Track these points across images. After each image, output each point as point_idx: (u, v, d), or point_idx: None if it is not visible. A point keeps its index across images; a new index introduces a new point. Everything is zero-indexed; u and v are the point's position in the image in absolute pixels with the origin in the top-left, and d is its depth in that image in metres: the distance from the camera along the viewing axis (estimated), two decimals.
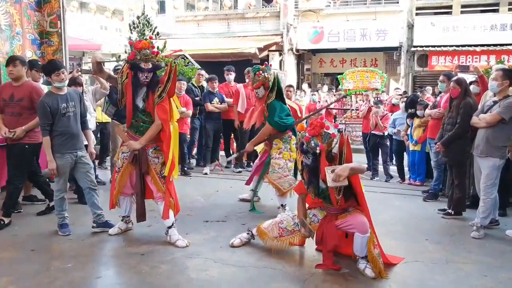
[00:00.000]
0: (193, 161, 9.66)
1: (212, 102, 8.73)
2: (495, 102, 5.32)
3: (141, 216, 5.03)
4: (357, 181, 4.15)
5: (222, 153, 9.76)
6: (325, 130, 4.11)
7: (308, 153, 4.17)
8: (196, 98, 8.81)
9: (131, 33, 10.46)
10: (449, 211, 6.07)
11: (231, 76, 9.23)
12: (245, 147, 6.52)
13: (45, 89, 7.59)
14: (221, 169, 6.51)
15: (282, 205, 5.89)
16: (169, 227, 4.92)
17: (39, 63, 6.29)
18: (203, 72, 9.47)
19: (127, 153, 4.90)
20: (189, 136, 9.03)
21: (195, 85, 9.17)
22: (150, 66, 4.73)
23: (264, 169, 6.09)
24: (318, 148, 4.06)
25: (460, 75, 7.07)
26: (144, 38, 10.26)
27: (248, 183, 6.57)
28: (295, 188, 4.88)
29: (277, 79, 5.92)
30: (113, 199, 5.12)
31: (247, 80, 8.68)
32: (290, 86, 9.50)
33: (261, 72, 5.83)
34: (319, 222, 4.44)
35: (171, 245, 4.80)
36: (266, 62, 6.28)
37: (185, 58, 11.88)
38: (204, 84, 9.46)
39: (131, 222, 5.33)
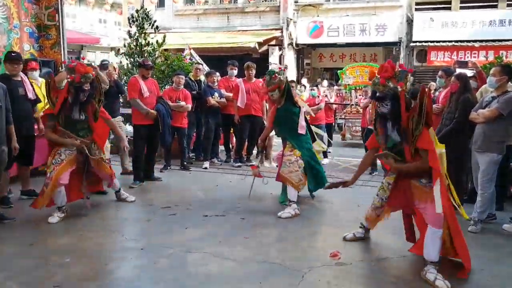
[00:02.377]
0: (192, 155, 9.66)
1: (213, 96, 8.73)
2: (493, 98, 5.32)
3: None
4: (425, 142, 3.98)
5: (221, 147, 9.76)
6: (399, 69, 4.05)
7: (385, 99, 4.06)
8: (193, 92, 8.79)
9: (130, 26, 10.43)
10: None
11: (235, 71, 9.21)
12: (258, 144, 6.73)
13: (42, 82, 7.59)
14: (261, 175, 6.54)
15: (290, 200, 5.92)
16: (118, 191, 6.24)
17: (13, 54, 6.19)
18: (200, 66, 9.45)
19: (73, 150, 5.57)
20: None
21: (193, 79, 9.16)
22: (89, 86, 5.53)
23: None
24: (398, 87, 3.98)
25: (458, 70, 7.07)
26: (143, 32, 10.25)
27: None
28: (367, 142, 4.92)
29: (287, 83, 6.12)
30: (47, 198, 5.44)
31: (246, 75, 8.69)
32: (292, 81, 9.45)
33: (276, 75, 6.01)
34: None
35: (170, 239, 4.83)
36: (281, 66, 6.46)
37: (192, 56, 11.89)
38: (202, 78, 9.44)
39: (66, 210, 5.52)
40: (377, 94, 4.12)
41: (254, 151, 9.41)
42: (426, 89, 3.98)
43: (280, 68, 6.38)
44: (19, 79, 6.15)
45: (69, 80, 5.54)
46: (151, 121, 7.24)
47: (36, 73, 7.41)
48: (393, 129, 4.16)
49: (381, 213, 4.60)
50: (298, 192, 6.03)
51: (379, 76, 4.10)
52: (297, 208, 5.81)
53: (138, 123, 7.36)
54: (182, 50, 12.59)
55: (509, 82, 5.42)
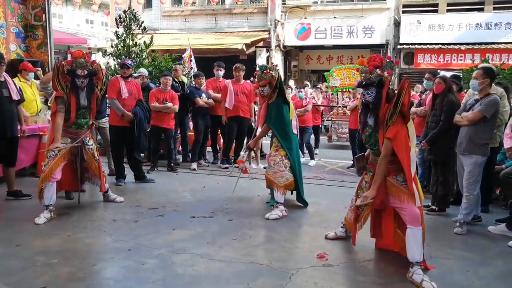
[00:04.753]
0: (179, 157, 9.65)
1: (201, 97, 8.73)
2: (476, 101, 5.39)
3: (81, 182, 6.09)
4: (399, 146, 4.00)
5: (209, 149, 9.75)
6: (387, 60, 4.14)
7: (371, 86, 4.11)
8: (177, 94, 8.74)
9: (118, 27, 10.38)
10: (433, 207, 6.16)
11: (221, 72, 9.19)
12: (248, 144, 6.63)
13: (33, 82, 7.52)
14: (247, 171, 6.68)
15: (277, 202, 5.90)
16: (106, 192, 6.25)
17: None
18: (178, 66, 9.41)
19: (67, 143, 5.63)
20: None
21: (176, 80, 9.10)
22: (86, 72, 5.54)
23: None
24: (386, 73, 4.06)
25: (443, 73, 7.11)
26: (131, 32, 10.21)
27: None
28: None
29: (279, 79, 6.11)
30: (40, 189, 5.49)
31: (234, 76, 8.70)
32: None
33: (268, 70, 6.04)
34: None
35: (157, 240, 4.82)
36: (273, 62, 6.45)
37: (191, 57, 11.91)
38: (184, 79, 9.41)
39: (54, 211, 5.51)
40: (364, 82, 4.17)
41: (242, 152, 9.42)
42: (407, 82, 4.02)
43: (272, 63, 6.39)
44: (2, 79, 6.06)
45: (65, 64, 5.56)
46: (126, 123, 7.22)
47: (32, 74, 7.41)
48: (370, 116, 4.22)
49: (361, 213, 4.61)
50: (285, 194, 6.02)
51: (367, 65, 4.17)
52: (284, 210, 5.82)
53: (114, 124, 7.35)
54: (168, 51, 12.57)
55: (492, 85, 5.50)
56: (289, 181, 5.94)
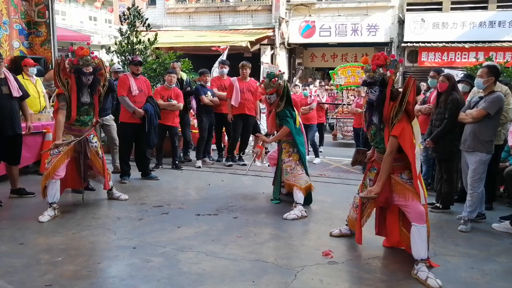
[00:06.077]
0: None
1: (206, 95, 8.72)
2: (481, 98, 5.40)
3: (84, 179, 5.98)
4: (405, 143, 3.98)
5: (213, 146, 9.75)
6: (391, 59, 4.11)
7: (375, 85, 4.11)
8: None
9: (122, 24, 10.35)
10: (438, 205, 6.15)
11: (225, 69, 9.18)
12: (266, 139, 6.57)
13: (38, 80, 7.49)
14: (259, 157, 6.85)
15: (296, 202, 5.87)
16: (110, 190, 6.24)
17: None
18: (175, 64, 9.38)
19: (71, 140, 5.59)
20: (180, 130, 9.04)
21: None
22: (91, 69, 5.54)
23: (279, 175, 6.28)
24: (388, 72, 4.03)
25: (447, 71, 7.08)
26: (135, 29, 10.20)
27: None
28: None
29: (286, 88, 6.12)
30: (43, 187, 5.46)
31: (240, 74, 8.68)
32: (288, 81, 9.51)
33: (276, 79, 6.04)
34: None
35: (162, 238, 4.82)
36: (280, 70, 6.46)
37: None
38: (183, 75, 9.39)
39: (58, 209, 5.51)
40: (367, 80, 4.17)
41: (247, 150, 9.41)
42: (412, 81, 3.99)
43: (280, 71, 6.39)
44: (3, 76, 5.96)
45: (68, 63, 5.54)
46: (138, 120, 7.20)
47: (33, 69, 7.38)
48: (375, 114, 4.21)
49: (364, 210, 4.58)
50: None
51: (370, 64, 4.16)
52: (304, 210, 5.79)
53: (125, 121, 7.34)
54: (172, 48, 12.52)
55: (497, 83, 5.49)
56: (308, 183, 6.02)
